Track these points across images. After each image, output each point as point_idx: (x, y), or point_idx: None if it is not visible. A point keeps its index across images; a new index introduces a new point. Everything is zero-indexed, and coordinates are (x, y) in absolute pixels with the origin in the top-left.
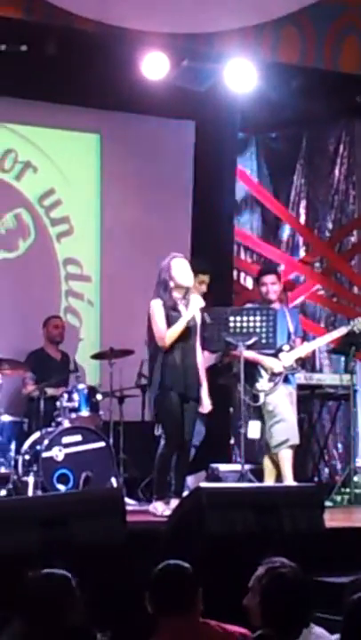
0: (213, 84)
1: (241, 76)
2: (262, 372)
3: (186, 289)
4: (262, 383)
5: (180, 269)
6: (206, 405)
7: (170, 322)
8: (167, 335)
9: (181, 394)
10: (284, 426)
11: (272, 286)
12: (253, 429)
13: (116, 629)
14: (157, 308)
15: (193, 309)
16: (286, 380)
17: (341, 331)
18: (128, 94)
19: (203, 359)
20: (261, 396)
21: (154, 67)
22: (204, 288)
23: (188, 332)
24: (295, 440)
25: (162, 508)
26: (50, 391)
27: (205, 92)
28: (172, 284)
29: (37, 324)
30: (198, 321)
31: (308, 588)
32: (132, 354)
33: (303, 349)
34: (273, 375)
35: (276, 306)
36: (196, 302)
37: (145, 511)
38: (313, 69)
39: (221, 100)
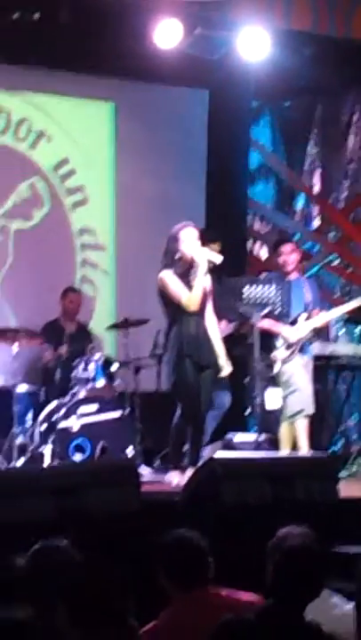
0: (226, 52)
1: (254, 44)
2: (278, 341)
3: (192, 260)
4: (278, 353)
5: (189, 240)
6: (226, 369)
7: None
8: (192, 298)
9: (197, 362)
10: (300, 396)
11: (290, 256)
12: (272, 399)
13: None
14: (170, 277)
15: (203, 263)
16: (302, 350)
17: (359, 301)
18: (142, 63)
19: (219, 328)
20: (277, 365)
21: (167, 35)
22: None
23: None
24: (310, 410)
25: (177, 479)
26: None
27: (218, 60)
28: (178, 256)
29: (53, 294)
30: (208, 286)
31: (319, 561)
32: (147, 322)
33: (319, 319)
34: (289, 345)
35: (294, 276)
36: (204, 254)
37: (160, 481)
38: (326, 37)
39: (235, 69)
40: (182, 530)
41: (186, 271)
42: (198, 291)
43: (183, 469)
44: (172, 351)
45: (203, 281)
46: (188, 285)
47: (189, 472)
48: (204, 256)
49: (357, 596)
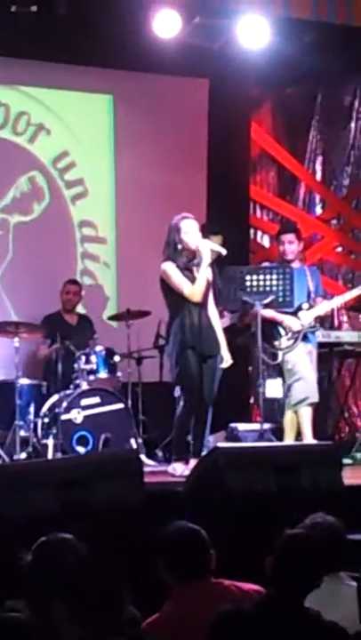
0: (226, 41)
1: (254, 32)
2: (281, 330)
3: (195, 251)
4: (281, 342)
5: (190, 231)
6: (227, 359)
7: None
8: (195, 289)
9: (200, 352)
10: (304, 384)
11: (289, 245)
12: (274, 388)
13: (136, 592)
14: (172, 269)
15: (207, 254)
16: (305, 339)
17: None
18: (140, 53)
19: (221, 319)
20: (280, 354)
21: (166, 25)
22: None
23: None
24: (314, 398)
25: (181, 469)
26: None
27: (218, 48)
28: (180, 247)
29: (54, 287)
30: (210, 276)
31: (318, 551)
32: (148, 315)
33: (322, 308)
34: (292, 333)
35: (296, 264)
36: (208, 245)
37: (164, 472)
38: (326, 24)
39: (235, 57)
40: (182, 522)
41: (188, 262)
42: (202, 282)
43: (187, 460)
44: (175, 342)
45: (206, 272)
46: (190, 276)
47: (193, 462)
48: (209, 247)
49: None
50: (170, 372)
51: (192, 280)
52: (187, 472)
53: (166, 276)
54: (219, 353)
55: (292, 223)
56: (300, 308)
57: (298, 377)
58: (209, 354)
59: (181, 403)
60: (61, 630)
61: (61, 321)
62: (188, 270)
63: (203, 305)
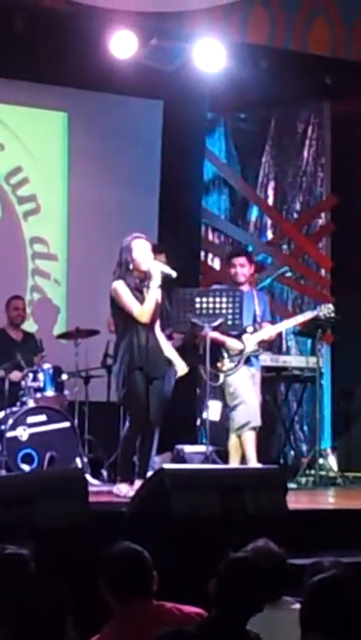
0: (182, 64)
1: (210, 56)
2: (224, 352)
3: (145, 271)
4: (223, 363)
5: (141, 251)
6: (182, 367)
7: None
8: (144, 310)
9: (147, 374)
10: (245, 408)
11: (241, 268)
12: (213, 411)
13: (77, 612)
14: (123, 288)
15: (157, 276)
16: (249, 362)
17: (307, 315)
18: (96, 73)
19: (171, 340)
20: (221, 376)
21: (122, 45)
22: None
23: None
24: (256, 422)
25: (126, 490)
26: (11, 376)
27: (174, 71)
28: (131, 266)
29: (3, 302)
30: (159, 297)
31: (260, 575)
32: (97, 334)
33: (267, 332)
34: (234, 356)
35: (245, 288)
36: (158, 267)
37: (109, 492)
38: (282, 50)
39: (190, 80)
40: (126, 542)
41: (139, 282)
42: (151, 303)
43: (132, 480)
44: (122, 362)
45: (156, 293)
46: (140, 297)
47: (138, 483)
48: (159, 269)
49: (303, 608)
50: (116, 392)
51: (142, 301)
52: (132, 493)
53: (116, 295)
54: (166, 374)
55: (243, 246)
56: (244, 331)
57: (239, 401)
58: (156, 375)
59: (127, 423)
60: None
61: (6, 337)
62: (138, 291)
63: (150, 326)
